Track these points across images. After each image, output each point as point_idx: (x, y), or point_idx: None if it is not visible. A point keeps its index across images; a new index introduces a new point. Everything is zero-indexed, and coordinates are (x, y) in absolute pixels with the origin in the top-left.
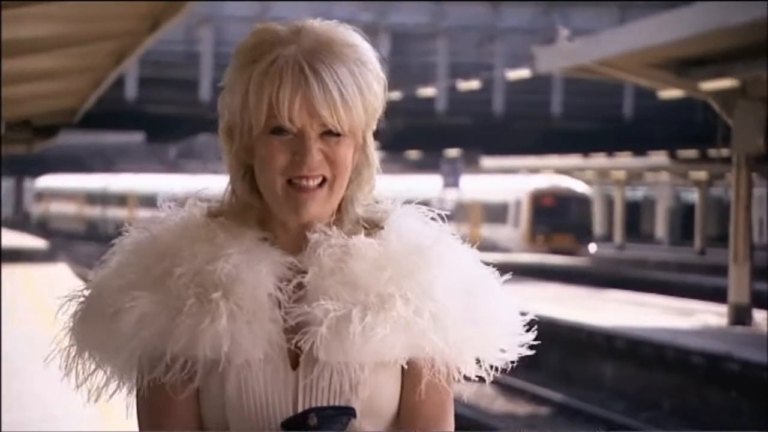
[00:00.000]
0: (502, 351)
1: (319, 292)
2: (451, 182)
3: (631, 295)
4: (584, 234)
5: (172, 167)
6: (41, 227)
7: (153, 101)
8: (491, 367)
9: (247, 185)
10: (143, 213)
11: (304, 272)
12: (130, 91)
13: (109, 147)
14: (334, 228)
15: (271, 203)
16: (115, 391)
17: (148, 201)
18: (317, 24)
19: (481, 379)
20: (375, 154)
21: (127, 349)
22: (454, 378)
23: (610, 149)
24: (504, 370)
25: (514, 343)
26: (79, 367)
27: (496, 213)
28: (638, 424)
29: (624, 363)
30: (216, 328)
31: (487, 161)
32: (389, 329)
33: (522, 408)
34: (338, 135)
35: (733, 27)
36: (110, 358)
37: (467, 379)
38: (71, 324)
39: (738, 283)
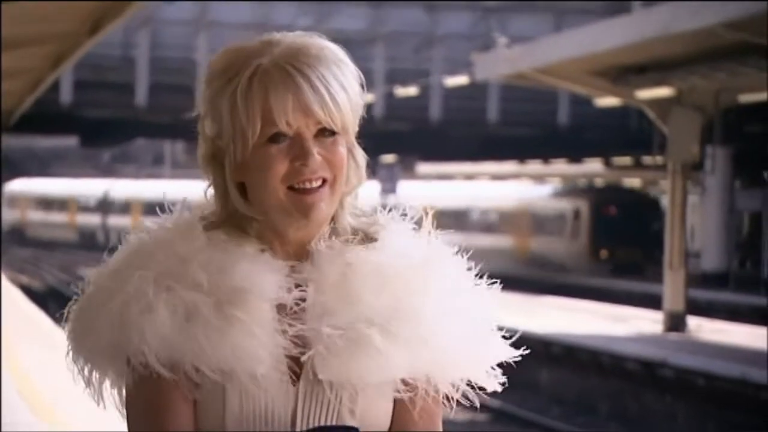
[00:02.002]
0: (494, 367)
1: (320, 306)
2: (389, 188)
3: (565, 301)
4: (655, 247)
5: (106, 171)
6: (15, 236)
7: (88, 105)
8: (478, 387)
9: (241, 209)
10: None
11: (304, 284)
12: (66, 94)
13: (42, 151)
14: (334, 239)
15: (273, 214)
16: (112, 389)
17: (155, 208)
18: (285, 35)
19: (472, 397)
20: (362, 157)
21: (131, 350)
22: (446, 395)
23: (546, 156)
24: (495, 388)
25: (505, 357)
26: (84, 373)
27: (550, 222)
28: (575, 430)
29: (561, 369)
30: (230, 340)
31: (424, 167)
32: (391, 350)
33: (460, 414)
34: (332, 134)
35: (670, 36)
36: (114, 363)
37: (460, 399)
38: (71, 327)
39: (673, 289)
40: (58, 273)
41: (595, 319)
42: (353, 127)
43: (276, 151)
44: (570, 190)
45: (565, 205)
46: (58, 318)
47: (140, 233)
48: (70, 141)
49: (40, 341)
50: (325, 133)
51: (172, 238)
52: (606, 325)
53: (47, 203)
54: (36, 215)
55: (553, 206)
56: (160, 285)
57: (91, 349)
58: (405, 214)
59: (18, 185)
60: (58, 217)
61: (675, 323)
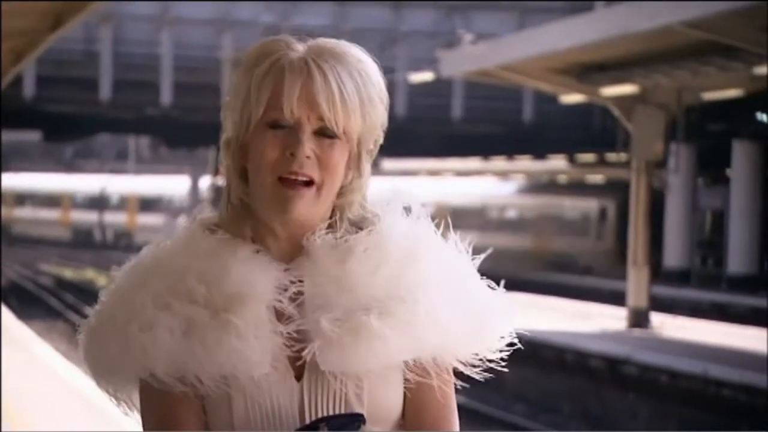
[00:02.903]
0: (497, 341)
1: (317, 300)
2: None
3: (529, 297)
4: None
5: (69, 167)
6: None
7: (51, 100)
8: (486, 360)
9: (240, 190)
10: (145, 218)
11: (300, 280)
12: (29, 89)
13: (3, 146)
14: (327, 235)
15: (260, 203)
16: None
17: (150, 205)
18: (327, 38)
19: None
20: (368, 170)
21: (137, 371)
22: (455, 374)
23: (510, 152)
24: (498, 362)
25: (506, 334)
26: (104, 388)
27: (574, 222)
28: (538, 426)
29: (525, 366)
30: (228, 346)
31: (388, 164)
32: (390, 334)
33: None
34: (332, 137)
35: (634, 34)
36: (122, 380)
37: (464, 373)
38: (83, 353)
39: (637, 286)
40: (20, 268)
41: (560, 316)
42: (362, 139)
43: (272, 137)
44: (596, 187)
45: (591, 204)
46: (20, 314)
47: (146, 249)
48: (32, 136)
49: (4, 338)
50: (327, 132)
51: (171, 253)
52: (570, 322)
53: (36, 199)
54: (23, 212)
55: (576, 205)
56: (159, 302)
57: (105, 369)
58: (404, 205)
59: (2, 180)
60: (48, 213)
61: (638, 320)
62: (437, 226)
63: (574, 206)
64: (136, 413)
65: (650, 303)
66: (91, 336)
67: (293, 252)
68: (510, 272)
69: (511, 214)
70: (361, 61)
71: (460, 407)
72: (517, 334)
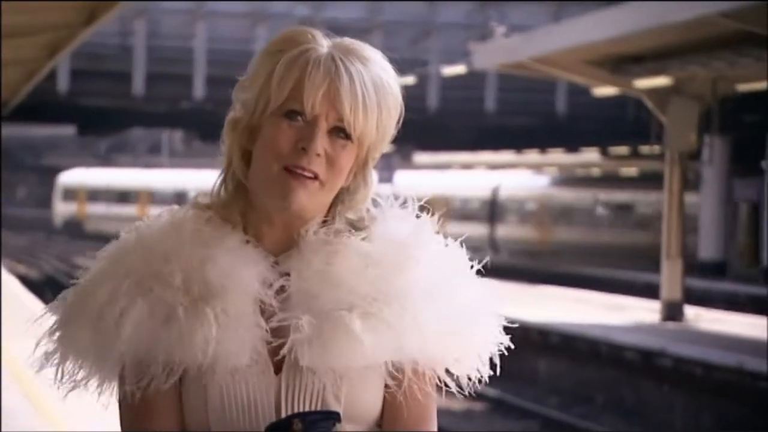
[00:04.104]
0: (483, 351)
1: (303, 295)
2: (386, 178)
3: (563, 290)
4: None
5: (104, 160)
6: (72, 229)
7: (86, 94)
8: (475, 369)
9: (238, 173)
10: None
11: (287, 274)
12: (63, 83)
13: (37, 140)
14: (320, 230)
15: (260, 190)
16: (97, 389)
17: None
18: (352, 39)
19: (462, 385)
20: (374, 179)
21: (113, 354)
22: (437, 380)
23: (543, 145)
24: (487, 372)
25: (494, 342)
26: (63, 369)
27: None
28: (572, 419)
29: (558, 358)
30: (204, 336)
31: (420, 157)
32: (373, 333)
33: (457, 403)
34: (346, 138)
35: (668, 25)
36: (95, 361)
37: (448, 385)
38: (55, 327)
39: (671, 279)
40: (56, 262)
41: (593, 308)
42: (372, 146)
43: (287, 127)
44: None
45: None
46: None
47: (130, 231)
48: (66, 130)
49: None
50: (340, 134)
51: (158, 236)
52: (603, 315)
53: (110, 195)
54: (97, 208)
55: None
56: (141, 286)
57: (79, 349)
58: (404, 204)
59: (75, 176)
60: (124, 209)
61: (672, 312)
62: (541, 226)
63: (700, 202)
64: (108, 397)
65: (684, 295)
66: (67, 315)
67: (287, 242)
68: (621, 273)
69: (626, 210)
70: (384, 69)
71: (494, 400)
72: (546, 328)
